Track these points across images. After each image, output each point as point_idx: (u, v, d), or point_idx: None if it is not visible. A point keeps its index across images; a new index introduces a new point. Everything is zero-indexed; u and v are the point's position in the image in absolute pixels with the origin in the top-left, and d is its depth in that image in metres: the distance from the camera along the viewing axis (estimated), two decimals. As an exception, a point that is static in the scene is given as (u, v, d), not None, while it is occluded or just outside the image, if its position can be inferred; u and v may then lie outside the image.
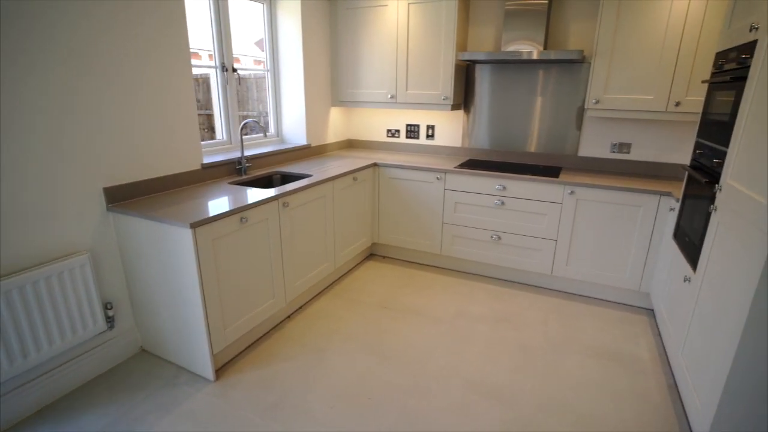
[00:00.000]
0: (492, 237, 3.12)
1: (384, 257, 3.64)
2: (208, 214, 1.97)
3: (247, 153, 2.97)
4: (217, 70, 2.87)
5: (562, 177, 2.88)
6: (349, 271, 3.37)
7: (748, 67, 1.68)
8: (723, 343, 1.53)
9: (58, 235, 1.93)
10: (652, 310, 2.82)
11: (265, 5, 3.27)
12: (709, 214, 1.88)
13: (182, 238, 1.91)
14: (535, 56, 2.81)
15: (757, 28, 1.65)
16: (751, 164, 1.55)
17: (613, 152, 3.15)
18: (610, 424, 1.86)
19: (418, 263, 3.53)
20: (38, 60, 1.75)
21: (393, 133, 3.91)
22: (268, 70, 3.41)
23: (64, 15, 1.81)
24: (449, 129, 3.67)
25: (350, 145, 4.15)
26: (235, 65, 2.96)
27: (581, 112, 3.17)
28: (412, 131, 3.82)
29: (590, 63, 2.99)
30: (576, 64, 3.10)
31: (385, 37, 3.35)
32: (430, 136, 3.76)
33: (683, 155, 2.97)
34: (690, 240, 2.08)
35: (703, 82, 2.16)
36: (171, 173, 2.41)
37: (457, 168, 3.13)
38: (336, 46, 3.58)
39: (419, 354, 2.34)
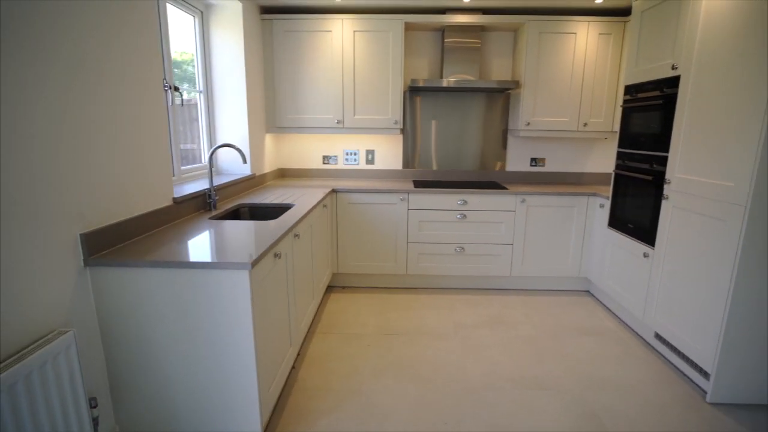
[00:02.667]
0: (456, 249, 3.34)
1: (344, 288, 3.47)
2: (253, 252, 1.63)
3: (203, 186, 2.51)
4: (168, 91, 2.39)
5: (511, 189, 3.32)
6: (318, 307, 3.11)
7: (671, 95, 2.35)
8: (711, 293, 2.04)
9: (30, 308, 1.33)
10: (588, 290, 3.44)
11: (196, 18, 2.88)
12: (658, 203, 2.48)
13: (236, 282, 1.54)
14: (481, 85, 3.23)
15: (677, 68, 2.31)
16: (692, 161, 2.15)
17: (532, 166, 3.78)
18: (635, 381, 2.22)
19: (383, 287, 3.49)
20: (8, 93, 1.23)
21: (329, 159, 3.82)
22: (200, 92, 2.97)
23: (37, 54, 1.32)
24: (389, 153, 3.80)
25: (282, 174, 3.87)
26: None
27: (506, 133, 3.72)
28: (351, 157, 3.81)
29: (510, 92, 3.57)
30: (503, 93, 3.65)
31: (329, 62, 3.32)
32: (370, 161, 3.81)
33: (586, 165, 3.76)
34: (636, 226, 2.69)
35: (621, 106, 2.86)
36: (146, 211, 1.89)
37: (416, 188, 3.27)
38: (272, 69, 3.36)
39: (454, 369, 2.34)
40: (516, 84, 3.23)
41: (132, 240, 1.77)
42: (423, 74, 3.65)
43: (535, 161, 3.77)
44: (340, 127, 3.42)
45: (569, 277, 3.43)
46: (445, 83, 3.24)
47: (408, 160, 3.82)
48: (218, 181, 2.74)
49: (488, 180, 3.79)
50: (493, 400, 2.08)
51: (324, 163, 3.84)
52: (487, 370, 2.33)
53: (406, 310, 3.07)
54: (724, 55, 2.02)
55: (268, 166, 3.60)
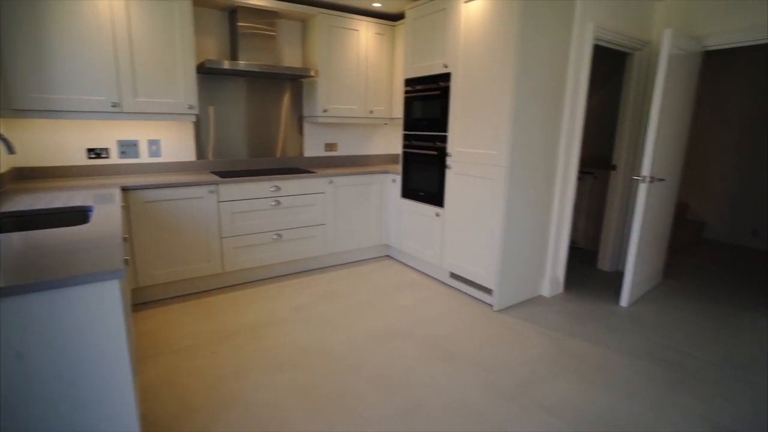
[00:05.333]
0: (274, 237, 3.30)
1: (146, 303, 2.91)
2: (117, 255, 1.28)
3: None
4: None
5: (319, 172, 3.49)
6: (127, 330, 2.53)
7: (445, 87, 3.03)
8: (489, 232, 2.82)
9: None
10: (389, 255, 4.02)
11: None
12: (443, 172, 3.16)
13: (102, 298, 1.17)
14: (283, 71, 3.23)
15: (448, 66, 3.00)
16: (466, 137, 2.90)
17: (327, 151, 4.05)
18: (448, 311, 2.83)
19: (200, 291, 3.10)
20: None
21: (99, 152, 3.05)
22: None
23: None
24: (178, 143, 3.33)
25: (21, 176, 2.83)
26: None
27: (301, 120, 3.85)
28: (130, 149, 3.15)
29: (303, 80, 3.71)
30: (296, 81, 3.72)
31: (95, 32, 2.62)
32: (155, 153, 3.25)
33: (371, 148, 4.29)
34: (427, 193, 3.34)
35: (404, 96, 3.44)
36: None
37: (226, 178, 3.04)
38: (-6, 29, 2.40)
39: (313, 345, 2.40)
40: (314, 72, 3.39)
41: None
42: (212, 55, 3.35)
43: (328, 146, 4.06)
44: (117, 111, 2.79)
45: (374, 246, 3.92)
46: (243, 66, 3.09)
47: (203, 151, 3.46)
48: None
49: (290, 166, 3.85)
50: (361, 358, 2.27)
51: (90, 158, 3.04)
52: (343, 337, 2.49)
53: (237, 307, 2.87)
54: (481, 55, 2.76)
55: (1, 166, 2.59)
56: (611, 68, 4.31)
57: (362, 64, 3.74)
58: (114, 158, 3.13)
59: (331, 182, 3.49)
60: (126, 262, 1.40)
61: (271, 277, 3.42)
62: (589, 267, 3.84)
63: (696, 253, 4.37)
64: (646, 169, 2.80)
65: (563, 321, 2.76)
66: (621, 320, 2.79)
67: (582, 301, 3.08)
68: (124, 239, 1.70)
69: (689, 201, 5.11)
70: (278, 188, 3.25)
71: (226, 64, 3.02)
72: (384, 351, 2.36)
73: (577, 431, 1.78)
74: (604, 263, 3.75)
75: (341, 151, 4.16)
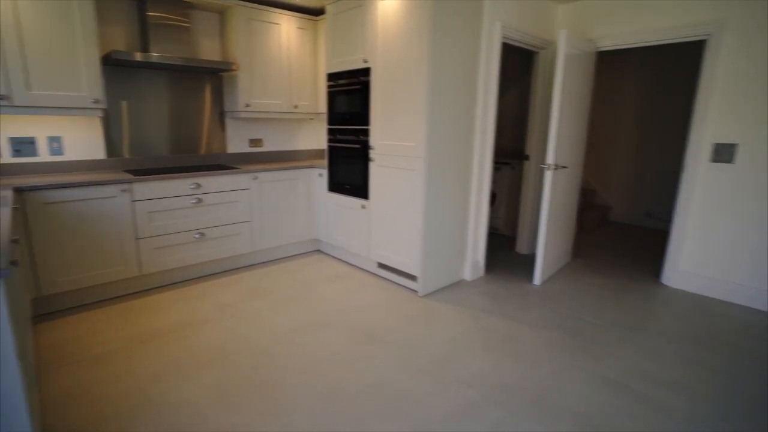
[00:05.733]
0: (195, 236, 3.18)
1: (52, 313, 2.69)
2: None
3: None
4: None
5: (242, 167, 3.42)
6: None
7: (366, 82, 3.10)
8: (412, 221, 2.93)
9: None
10: (319, 249, 4.02)
11: None
12: (367, 165, 3.23)
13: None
14: (201, 64, 3.12)
15: (368, 61, 3.06)
16: (387, 130, 2.99)
17: (252, 147, 3.97)
18: (376, 299, 2.92)
19: (115, 297, 2.92)
20: None
21: (-13, 150, 2.76)
22: None
23: None
24: (85, 140, 3.10)
25: None
26: None
27: (223, 115, 3.73)
28: (25, 146, 2.88)
29: (223, 74, 3.61)
30: (215, 75, 3.60)
31: (-28, 13, 2.37)
32: (56, 151, 3.00)
33: (297, 143, 4.26)
34: (353, 186, 3.39)
35: (327, 90, 3.45)
36: None
37: (140, 176, 2.89)
38: None
39: (239, 342, 2.37)
40: (235, 66, 3.31)
41: None
42: (124, 47, 3.15)
43: (253, 142, 3.98)
44: (7, 105, 2.54)
45: (302, 241, 3.91)
46: (157, 59, 2.94)
47: (116, 148, 3.24)
48: None
49: (214, 163, 3.73)
50: (285, 350, 2.28)
51: (-23, 157, 2.74)
52: (268, 331, 2.48)
53: (157, 310, 2.75)
54: (398, 51, 2.85)
55: None
56: (526, 66, 4.63)
57: (285, 59, 3.71)
58: (6, 157, 2.85)
59: (255, 178, 3.43)
60: (14, 264, 1.32)
61: (196, 278, 3.30)
62: (508, 251, 4.11)
63: (602, 234, 4.83)
64: (550, 158, 3.06)
65: (482, 301, 2.95)
66: (533, 297, 3.04)
67: (500, 282, 3.30)
68: (14, 241, 1.58)
69: (597, 188, 5.64)
70: (199, 185, 3.14)
71: (137, 56, 2.87)
72: (308, 342, 2.39)
73: (488, 397, 1.93)
74: (522, 247, 4.04)
75: (267, 147, 4.09)
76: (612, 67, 5.28)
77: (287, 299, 2.94)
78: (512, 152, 4.71)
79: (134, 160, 3.34)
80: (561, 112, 3.02)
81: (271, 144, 4.12)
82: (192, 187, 3.11)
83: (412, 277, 3.07)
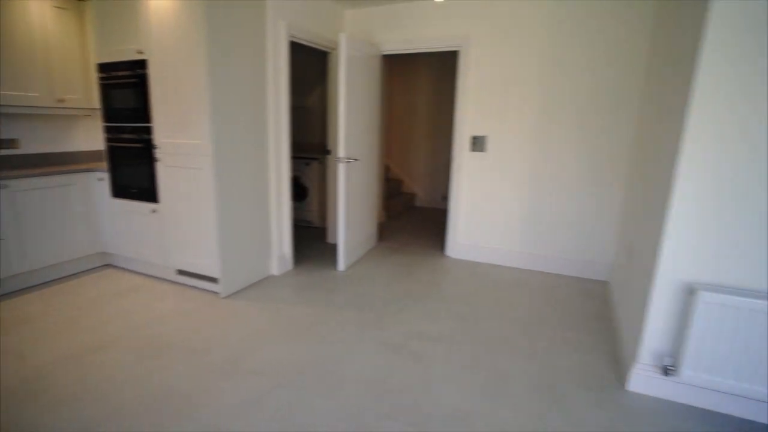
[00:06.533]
0: None
1: None
2: None
3: None
4: None
5: (-17, 175, 2.77)
6: None
7: (143, 75, 2.84)
8: (205, 223, 2.83)
9: None
10: (110, 263, 3.54)
11: None
12: (153, 165, 2.97)
13: None
14: None
15: (143, 53, 2.80)
16: (171, 127, 2.82)
17: (4, 148, 3.24)
18: (184, 309, 2.73)
19: None
20: None
21: None
22: None
23: None
24: None
25: None
26: None
27: (-51, 110, 2.95)
28: None
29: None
30: None
31: None
32: None
33: (71, 144, 3.63)
34: (140, 189, 3.08)
35: (99, 83, 3.03)
36: None
37: None
38: None
39: (8, 384, 1.95)
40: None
41: None
42: None
43: (5, 143, 3.26)
44: None
45: (87, 256, 3.38)
46: None
47: None
48: None
49: (-62, 171, 2.92)
50: (51, 382, 1.97)
51: None
52: (31, 365, 2.10)
53: None
54: (175, 45, 2.69)
55: None
56: (326, 65, 4.87)
57: (39, 43, 3.12)
58: None
59: (5, 187, 2.83)
60: None
61: None
62: (320, 242, 4.32)
63: (407, 218, 5.46)
64: (341, 152, 3.30)
65: (288, 293, 3.04)
66: (337, 282, 3.26)
67: (309, 272, 3.45)
68: None
69: (404, 178, 6.32)
70: None
71: None
72: (83, 367, 2.11)
73: (278, 382, 2.02)
74: (332, 237, 4.28)
75: (25, 149, 3.39)
76: (408, 70, 5.97)
77: (61, 324, 2.52)
78: (319, 147, 4.93)
79: None
80: (348, 108, 3.29)
81: (32, 145, 3.43)
82: None
83: (214, 280, 2.97)
